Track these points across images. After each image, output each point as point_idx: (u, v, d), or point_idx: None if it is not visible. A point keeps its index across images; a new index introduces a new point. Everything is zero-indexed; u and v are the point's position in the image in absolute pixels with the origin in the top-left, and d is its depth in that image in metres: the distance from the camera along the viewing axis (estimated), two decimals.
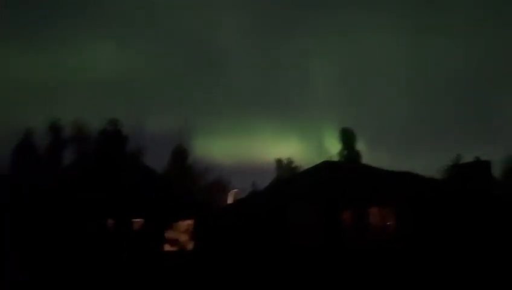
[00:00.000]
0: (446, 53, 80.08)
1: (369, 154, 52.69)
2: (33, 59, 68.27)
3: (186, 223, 28.31)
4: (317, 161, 32.46)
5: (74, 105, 52.40)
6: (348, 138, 49.31)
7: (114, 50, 71.16)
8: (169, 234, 27.62)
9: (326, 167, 30.59)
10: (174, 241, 27.64)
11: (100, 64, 70.68)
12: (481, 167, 30.04)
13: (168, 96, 77.16)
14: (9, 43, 71.72)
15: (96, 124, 24.50)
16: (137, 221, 26.14)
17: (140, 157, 25.32)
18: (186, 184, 40.97)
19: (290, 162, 58.01)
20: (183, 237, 28.15)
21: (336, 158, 46.52)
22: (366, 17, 79.69)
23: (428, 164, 53.68)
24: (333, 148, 50.38)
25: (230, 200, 43.97)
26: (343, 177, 27.93)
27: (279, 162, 58.27)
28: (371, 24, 76.84)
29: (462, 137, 62.92)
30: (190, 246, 27.96)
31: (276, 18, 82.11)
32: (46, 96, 62.73)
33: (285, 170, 56.47)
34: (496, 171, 37.99)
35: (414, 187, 26.05)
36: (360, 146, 50.23)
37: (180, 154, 48.76)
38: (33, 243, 22.71)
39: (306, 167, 36.45)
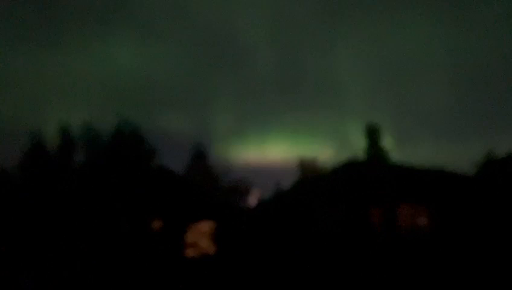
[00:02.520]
0: (477, 44, 78.36)
1: (398, 150, 51.62)
2: (45, 59, 68.45)
3: (207, 225, 27.68)
4: (342, 159, 31.56)
5: (87, 105, 52.33)
6: (373, 134, 48.12)
7: (130, 48, 70.79)
8: (190, 237, 27.03)
9: (351, 166, 29.74)
10: (194, 245, 27.05)
11: (115, 63, 70.59)
12: None
13: (187, 96, 76.79)
14: (21, 44, 72.05)
15: (111, 124, 24.01)
16: (156, 223, 25.58)
17: (157, 158, 24.73)
18: (206, 185, 40.29)
19: (313, 161, 57.05)
20: (204, 241, 27.54)
21: (360, 156, 45.37)
22: (393, 8, 78.19)
23: (460, 158, 52.42)
24: (358, 145, 49.31)
25: (252, 201, 43.28)
26: (369, 176, 27.12)
27: (302, 161, 57.36)
28: (398, 16, 75.35)
29: (494, 130, 61.53)
30: (211, 249, 27.32)
31: (300, 11, 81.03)
32: (59, 97, 62.87)
33: (309, 169, 55.56)
34: None
35: (446, 185, 25.33)
36: (388, 142, 49.06)
37: (199, 155, 48.18)
38: (42, 246, 22.39)
39: (330, 165, 35.66)
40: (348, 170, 28.91)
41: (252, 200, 43.88)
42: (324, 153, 65.66)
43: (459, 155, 54.42)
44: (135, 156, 23.52)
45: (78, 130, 23.78)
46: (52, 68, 68.82)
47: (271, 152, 65.00)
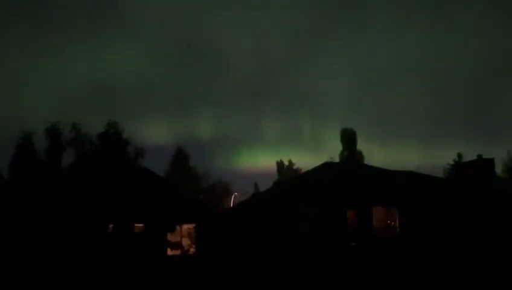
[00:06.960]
0: (447, 52, 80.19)
1: (372, 154, 52.75)
2: (32, 62, 68.23)
3: (188, 227, 28.13)
4: (318, 162, 32.24)
5: (73, 107, 52.66)
6: (348, 138, 49.10)
7: (113, 53, 70.95)
8: (172, 238, 27.45)
9: (327, 168, 30.38)
10: (176, 245, 27.45)
11: (99, 68, 70.68)
12: (485, 165, 29.62)
13: (169, 101, 77.14)
14: (7, 47, 71.73)
15: (96, 127, 24.32)
16: (139, 225, 25.95)
17: (141, 160, 25.09)
18: (187, 187, 40.75)
19: (291, 164, 57.84)
20: (186, 241, 27.98)
21: (336, 159, 46.30)
22: (370, 17, 79.67)
23: (431, 161, 53.87)
24: (334, 149, 50.23)
25: (232, 203, 43.75)
26: (344, 178, 27.73)
27: (280, 164, 58.09)
28: (374, 23, 76.80)
29: (464, 135, 63.10)
30: (192, 250, 27.78)
31: (279, 17, 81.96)
32: (46, 98, 62.82)
33: (287, 172, 56.32)
34: (498, 168, 37.94)
35: (418, 187, 25.88)
36: (363, 146, 50.13)
37: (181, 158, 48.64)
38: (30, 247, 22.62)
39: (307, 168, 36.27)
40: (323, 172, 29.58)
41: (232, 202, 44.46)
42: (301, 157, 66.80)
43: (430, 159, 55.92)
44: (121, 158, 23.91)
45: (66, 131, 24.04)
46: (41, 70, 68.84)
47: (250, 157, 65.84)
